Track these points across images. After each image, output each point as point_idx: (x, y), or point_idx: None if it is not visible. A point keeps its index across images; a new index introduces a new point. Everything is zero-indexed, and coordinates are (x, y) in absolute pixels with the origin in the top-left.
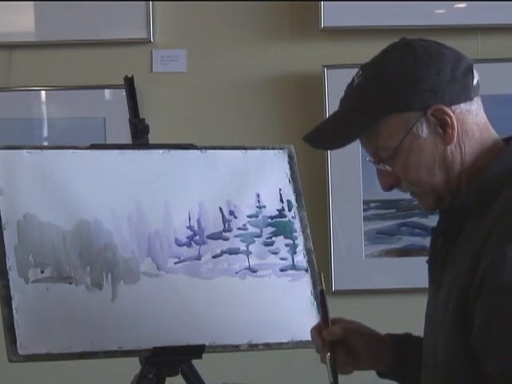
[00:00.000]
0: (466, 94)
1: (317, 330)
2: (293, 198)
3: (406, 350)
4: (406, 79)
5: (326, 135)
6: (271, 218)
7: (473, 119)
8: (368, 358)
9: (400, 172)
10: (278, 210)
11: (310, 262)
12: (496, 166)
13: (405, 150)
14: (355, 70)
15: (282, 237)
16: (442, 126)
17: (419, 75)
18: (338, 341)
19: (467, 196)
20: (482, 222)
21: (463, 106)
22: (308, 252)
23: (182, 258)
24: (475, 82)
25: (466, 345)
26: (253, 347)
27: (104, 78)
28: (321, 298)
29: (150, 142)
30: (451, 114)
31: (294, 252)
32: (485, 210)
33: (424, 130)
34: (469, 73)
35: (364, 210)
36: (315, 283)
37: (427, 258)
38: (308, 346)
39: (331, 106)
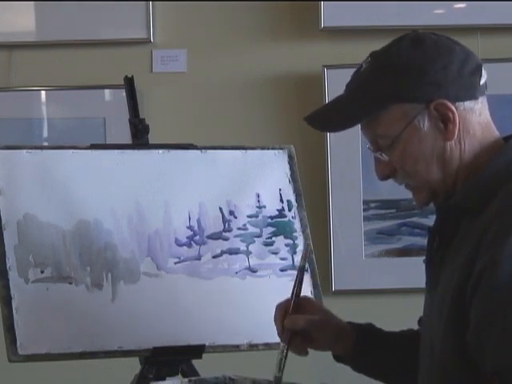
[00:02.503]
0: (470, 92)
1: (281, 311)
2: (293, 198)
3: (364, 340)
4: (412, 71)
5: (326, 117)
6: (271, 217)
7: (476, 118)
8: (325, 344)
9: (397, 162)
10: (278, 209)
11: (310, 261)
12: (494, 164)
13: (403, 141)
14: (355, 71)
15: (282, 237)
16: (444, 121)
17: (425, 68)
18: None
19: (464, 195)
20: (478, 221)
21: (467, 103)
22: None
23: (182, 258)
24: (482, 81)
25: (462, 344)
26: (253, 347)
27: (104, 78)
28: (299, 275)
29: (150, 142)
30: (454, 109)
31: (294, 252)
32: (482, 209)
33: (425, 123)
34: (476, 72)
35: (364, 210)
36: (315, 283)
37: (424, 257)
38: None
39: None
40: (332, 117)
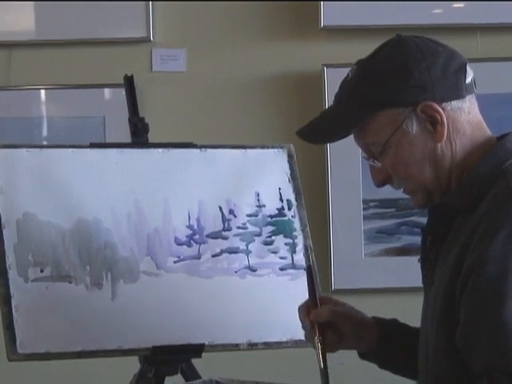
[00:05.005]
0: (457, 92)
1: (304, 310)
2: (292, 197)
3: (390, 335)
4: (396, 75)
5: (317, 130)
6: (271, 216)
7: (464, 117)
8: (353, 339)
9: (389, 168)
10: (277, 208)
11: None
12: (484, 163)
13: (394, 146)
14: (342, 80)
15: (281, 236)
16: (432, 123)
17: (409, 71)
18: (325, 322)
19: (455, 194)
20: (470, 220)
21: (454, 103)
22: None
23: (181, 257)
24: (468, 80)
25: (454, 343)
26: (252, 346)
27: (104, 77)
28: (308, 275)
29: (150, 141)
30: (441, 110)
31: (293, 251)
32: (474, 208)
33: (414, 127)
34: (461, 71)
35: (364, 209)
36: (315, 282)
37: (419, 256)
38: (308, 346)
39: None
40: (322, 129)
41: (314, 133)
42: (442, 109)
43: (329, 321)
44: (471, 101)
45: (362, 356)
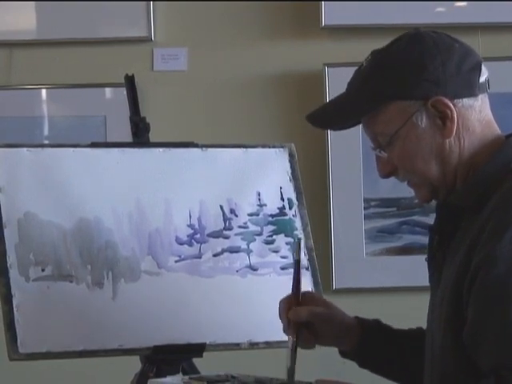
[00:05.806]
0: (469, 90)
1: (285, 305)
2: (293, 197)
3: (371, 336)
4: (410, 68)
5: (326, 116)
6: (272, 216)
7: (475, 116)
8: (331, 338)
9: (396, 159)
10: (278, 208)
11: (310, 260)
12: (493, 161)
13: (402, 138)
14: (356, 69)
15: (282, 235)
16: (442, 119)
17: (423, 65)
18: (303, 321)
19: (463, 193)
20: (478, 219)
21: (466, 101)
22: (309, 250)
23: (182, 256)
24: (482, 79)
25: (461, 341)
26: (253, 345)
27: (105, 77)
28: (295, 269)
29: (151, 141)
30: (452, 107)
31: (294, 250)
32: (481, 207)
33: (423, 121)
34: (475, 69)
35: (365, 209)
36: (316, 281)
37: (426, 256)
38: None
39: None
40: (332, 115)
41: (323, 118)
42: (453, 105)
43: (307, 320)
44: (483, 100)
45: (343, 354)
